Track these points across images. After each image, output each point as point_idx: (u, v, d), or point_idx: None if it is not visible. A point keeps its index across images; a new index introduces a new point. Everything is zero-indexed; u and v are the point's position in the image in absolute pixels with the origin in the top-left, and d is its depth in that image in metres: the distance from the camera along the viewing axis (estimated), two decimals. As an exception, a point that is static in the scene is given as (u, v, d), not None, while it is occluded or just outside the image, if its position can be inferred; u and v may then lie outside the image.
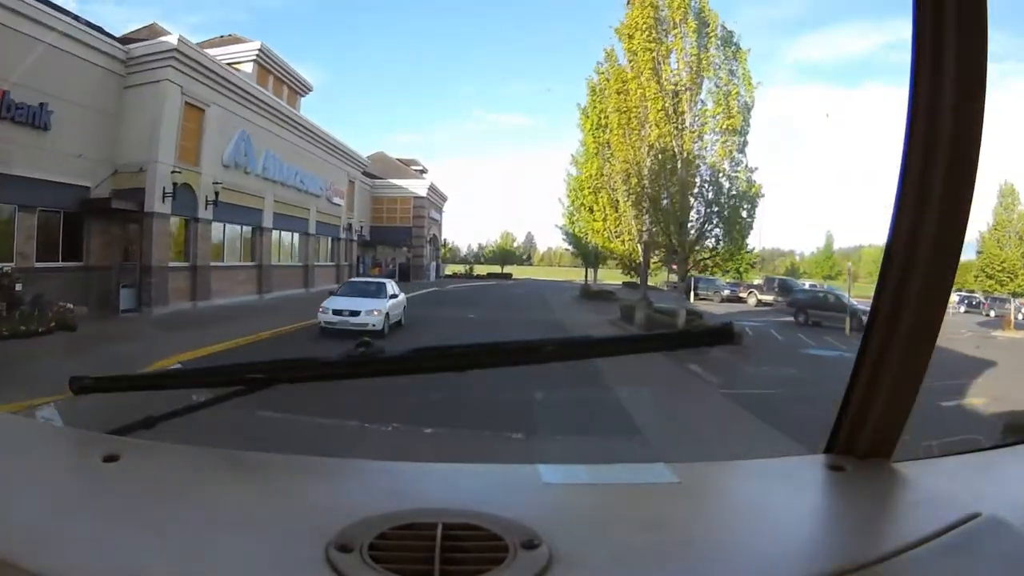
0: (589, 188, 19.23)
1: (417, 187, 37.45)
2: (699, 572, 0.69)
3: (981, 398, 7.68)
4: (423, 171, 40.06)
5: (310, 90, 23.22)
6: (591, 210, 19.77)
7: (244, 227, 18.31)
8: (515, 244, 54.55)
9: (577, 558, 0.67)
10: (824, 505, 0.90)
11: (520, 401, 6.01)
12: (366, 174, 34.12)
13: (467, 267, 52.76)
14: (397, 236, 35.26)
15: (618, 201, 15.87)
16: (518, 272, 51.23)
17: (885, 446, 0.92)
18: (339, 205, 25.29)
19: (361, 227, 29.23)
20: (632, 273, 17.90)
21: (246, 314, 13.99)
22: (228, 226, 17.35)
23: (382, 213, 36.04)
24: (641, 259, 15.99)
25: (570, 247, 26.91)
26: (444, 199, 42.27)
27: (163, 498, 0.79)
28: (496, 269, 51.75)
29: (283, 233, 20.78)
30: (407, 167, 38.12)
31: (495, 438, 5.01)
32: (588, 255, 24.58)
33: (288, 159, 20.32)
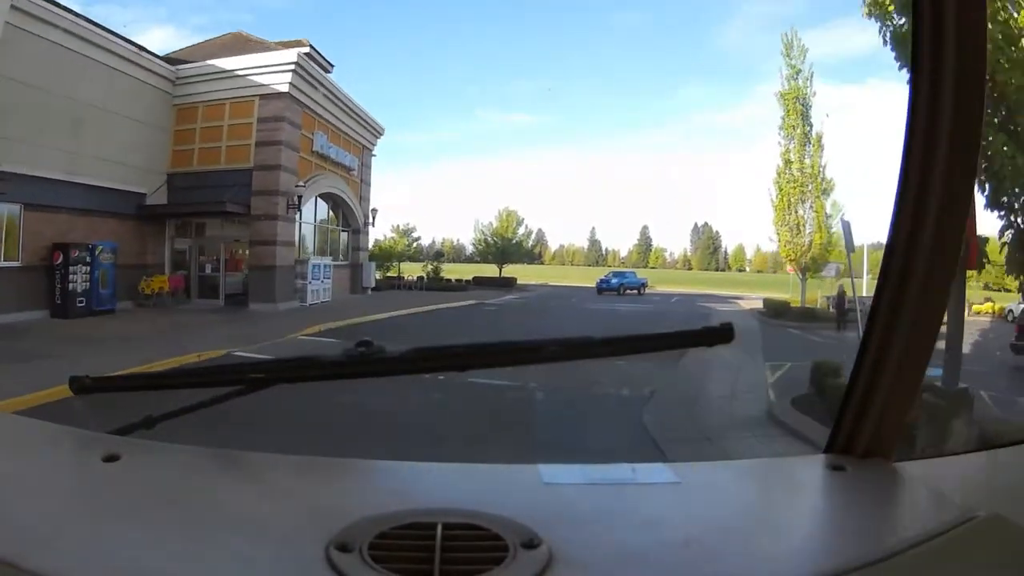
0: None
1: (267, 74, 14.60)
2: (699, 572, 0.69)
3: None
4: (312, 54, 16.37)
5: None
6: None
7: None
8: (521, 231, 29.98)
9: (577, 558, 0.67)
10: (824, 505, 0.90)
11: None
12: (167, 59, 14.51)
13: (429, 268, 27.87)
14: (221, 192, 14.58)
15: None
16: (524, 274, 30.84)
17: (885, 446, 0.92)
18: None
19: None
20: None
21: None
22: None
23: (192, 143, 15.00)
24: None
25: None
26: (379, 133, 19.41)
27: (163, 498, 0.79)
28: (491, 271, 29.04)
29: None
30: (278, 49, 15.70)
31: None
32: None
33: None
